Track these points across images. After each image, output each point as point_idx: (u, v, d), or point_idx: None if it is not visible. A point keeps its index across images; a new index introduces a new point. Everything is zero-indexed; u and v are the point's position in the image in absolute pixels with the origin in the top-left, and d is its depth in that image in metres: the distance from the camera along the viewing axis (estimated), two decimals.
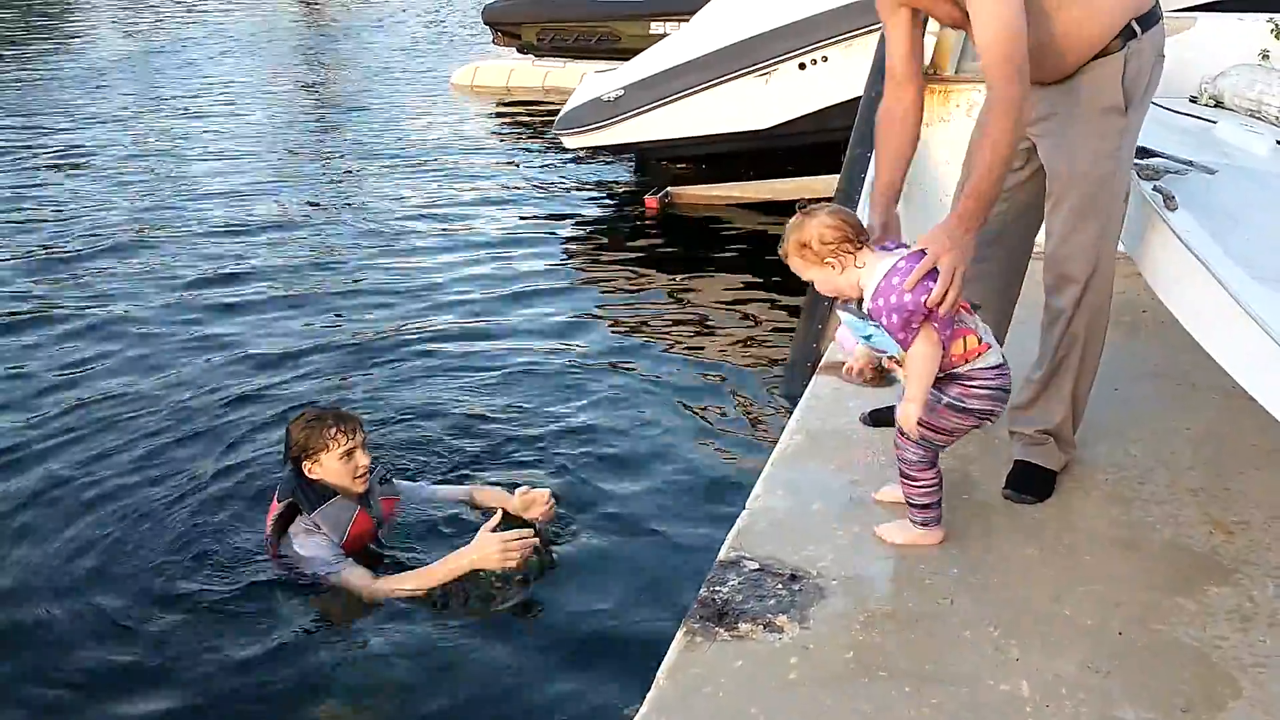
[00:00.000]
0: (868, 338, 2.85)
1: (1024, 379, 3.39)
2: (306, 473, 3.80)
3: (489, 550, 3.58)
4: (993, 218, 3.12)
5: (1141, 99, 3.22)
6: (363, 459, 3.80)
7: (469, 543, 3.61)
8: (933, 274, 2.69)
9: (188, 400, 5.36)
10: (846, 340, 3.00)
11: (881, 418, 3.72)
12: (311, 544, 3.72)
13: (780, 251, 2.84)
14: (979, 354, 2.87)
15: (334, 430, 3.76)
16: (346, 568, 3.69)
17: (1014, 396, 3.20)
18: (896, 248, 2.84)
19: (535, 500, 4.00)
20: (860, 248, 2.77)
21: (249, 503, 4.32)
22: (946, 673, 2.55)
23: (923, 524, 3.06)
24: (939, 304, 2.69)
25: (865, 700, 2.46)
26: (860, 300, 2.79)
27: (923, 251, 2.74)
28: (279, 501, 3.82)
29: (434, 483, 4.36)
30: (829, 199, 5.39)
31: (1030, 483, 3.34)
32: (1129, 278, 4.55)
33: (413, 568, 3.75)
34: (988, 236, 3.22)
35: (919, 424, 2.86)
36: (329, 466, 3.77)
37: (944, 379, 2.88)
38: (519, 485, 4.09)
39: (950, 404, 2.90)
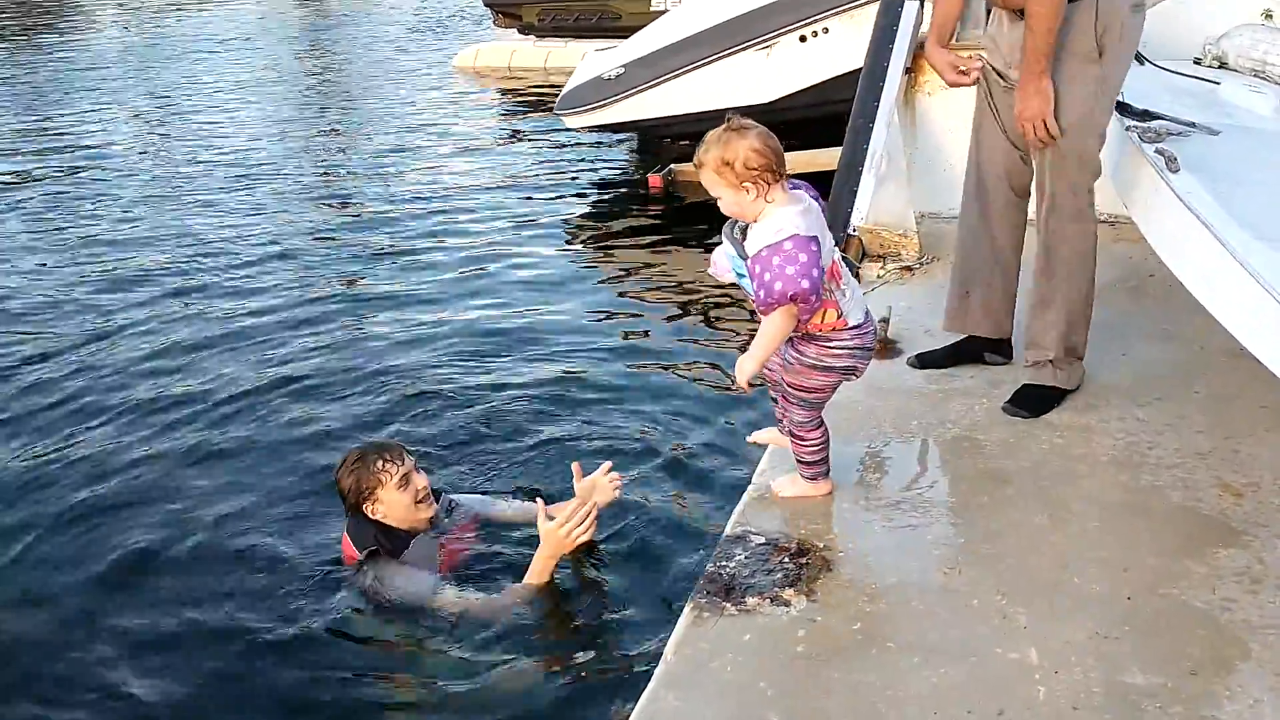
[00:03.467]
0: (740, 275, 2.82)
1: (1026, 308, 3.68)
2: (371, 515, 3.65)
3: (558, 540, 3.45)
4: (994, 161, 3.62)
5: (1118, 49, 3.37)
6: (419, 480, 3.67)
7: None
8: (807, 261, 2.64)
9: (201, 399, 5.34)
10: (720, 265, 2.94)
11: (927, 359, 3.93)
12: (404, 577, 3.57)
13: (695, 161, 2.74)
14: (836, 328, 2.85)
15: (380, 463, 3.61)
16: (444, 591, 3.54)
17: (1022, 325, 3.68)
18: (804, 189, 2.80)
19: (596, 485, 3.75)
20: (778, 180, 2.70)
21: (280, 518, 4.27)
22: (954, 643, 2.54)
23: (811, 478, 3.13)
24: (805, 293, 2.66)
25: (873, 672, 2.46)
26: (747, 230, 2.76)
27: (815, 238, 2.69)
28: (359, 550, 3.64)
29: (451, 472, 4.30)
30: (832, 173, 5.39)
31: (1026, 400, 3.60)
32: (1135, 241, 4.53)
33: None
34: (991, 181, 3.66)
35: (791, 386, 2.94)
36: (389, 500, 3.62)
37: (802, 339, 2.87)
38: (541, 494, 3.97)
39: (812, 364, 2.90)
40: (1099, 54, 3.33)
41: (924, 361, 3.94)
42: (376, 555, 3.61)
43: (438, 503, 3.81)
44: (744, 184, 2.69)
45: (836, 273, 2.81)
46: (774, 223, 2.68)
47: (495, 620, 3.42)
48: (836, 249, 2.86)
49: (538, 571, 3.50)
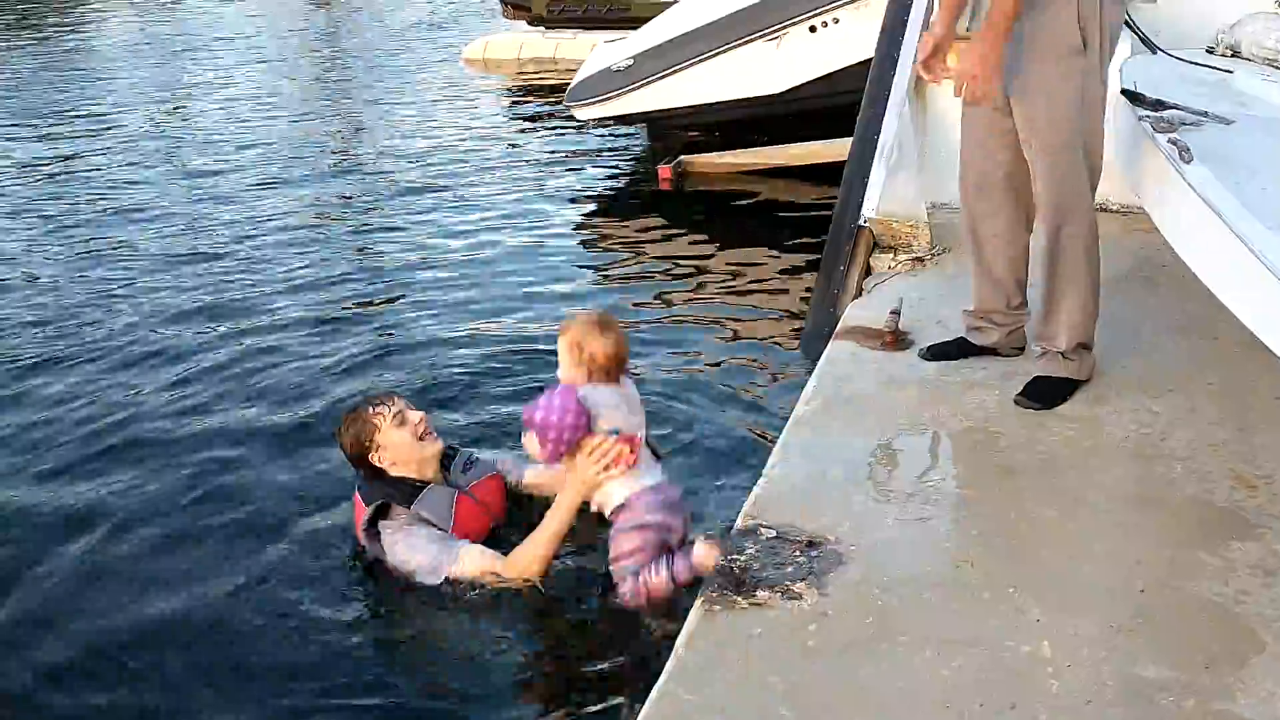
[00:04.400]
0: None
1: (1035, 301, 3.72)
2: (378, 464, 3.60)
3: (586, 474, 3.21)
4: (997, 164, 3.61)
5: (1101, 38, 3.37)
6: (414, 415, 3.62)
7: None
8: (560, 414, 3.13)
9: (211, 383, 5.33)
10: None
11: (939, 351, 3.94)
12: (415, 540, 3.46)
13: (561, 327, 3.33)
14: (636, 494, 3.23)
15: (371, 410, 3.61)
16: (463, 550, 3.42)
17: (1032, 318, 3.75)
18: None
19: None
20: (608, 377, 3.25)
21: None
22: (967, 635, 2.53)
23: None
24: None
25: (886, 665, 2.45)
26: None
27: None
28: (366, 505, 3.55)
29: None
30: (842, 163, 5.38)
31: (1038, 392, 3.60)
32: (1148, 232, 4.50)
33: None
34: (997, 181, 3.65)
35: (613, 563, 3.21)
36: (391, 442, 3.56)
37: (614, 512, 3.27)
38: None
39: (621, 530, 3.22)
40: (1083, 45, 3.32)
41: (935, 353, 3.93)
42: (386, 511, 3.53)
43: (453, 459, 3.74)
44: (581, 366, 3.23)
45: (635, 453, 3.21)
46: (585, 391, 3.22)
47: (509, 586, 3.37)
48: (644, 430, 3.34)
49: (558, 517, 3.28)
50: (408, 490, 3.57)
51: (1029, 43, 3.35)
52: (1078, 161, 3.44)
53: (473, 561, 3.41)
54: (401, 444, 3.59)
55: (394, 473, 3.61)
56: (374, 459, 3.60)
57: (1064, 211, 3.47)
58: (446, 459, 3.75)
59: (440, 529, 3.52)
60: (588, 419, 3.17)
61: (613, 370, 3.25)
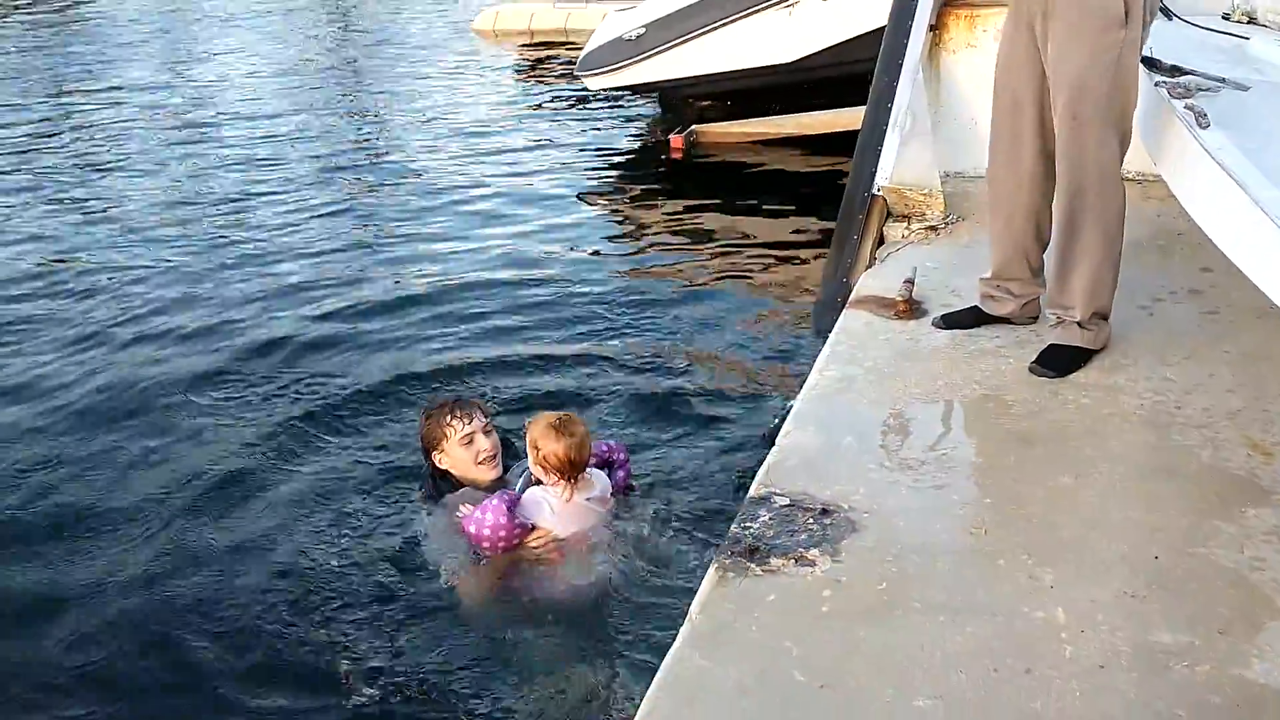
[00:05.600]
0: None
1: (1052, 267, 3.65)
2: (437, 464, 3.78)
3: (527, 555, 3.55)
4: (1030, 130, 3.55)
5: (1143, 10, 3.33)
6: (483, 442, 3.73)
7: None
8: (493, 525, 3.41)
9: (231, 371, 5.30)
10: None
11: (954, 320, 3.91)
12: (440, 536, 3.67)
13: (526, 424, 3.61)
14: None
15: (449, 417, 3.71)
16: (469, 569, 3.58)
17: (1048, 286, 3.70)
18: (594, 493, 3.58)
19: None
20: (563, 478, 3.46)
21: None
22: (981, 602, 2.53)
23: None
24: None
25: (899, 631, 2.45)
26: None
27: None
28: (420, 489, 3.87)
29: None
30: (855, 133, 5.35)
31: (1052, 360, 3.57)
32: (1164, 200, 4.48)
33: None
34: (1028, 144, 3.59)
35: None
36: (452, 454, 3.73)
37: None
38: None
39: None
40: (1125, 17, 3.29)
41: (949, 322, 3.91)
42: (429, 498, 3.77)
43: (510, 470, 3.83)
44: (538, 465, 3.47)
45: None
46: (530, 495, 3.53)
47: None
48: None
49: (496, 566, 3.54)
50: (445, 487, 3.76)
51: (1070, 10, 3.31)
52: (1106, 132, 3.40)
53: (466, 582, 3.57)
54: (460, 461, 3.75)
55: (449, 471, 3.79)
56: (435, 458, 3.79)
57: (1088, 180, 3.44)
58: (505, 467, 3.85)
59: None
60: (519, 526, 3.45)
61: (566, 471, 3.45)
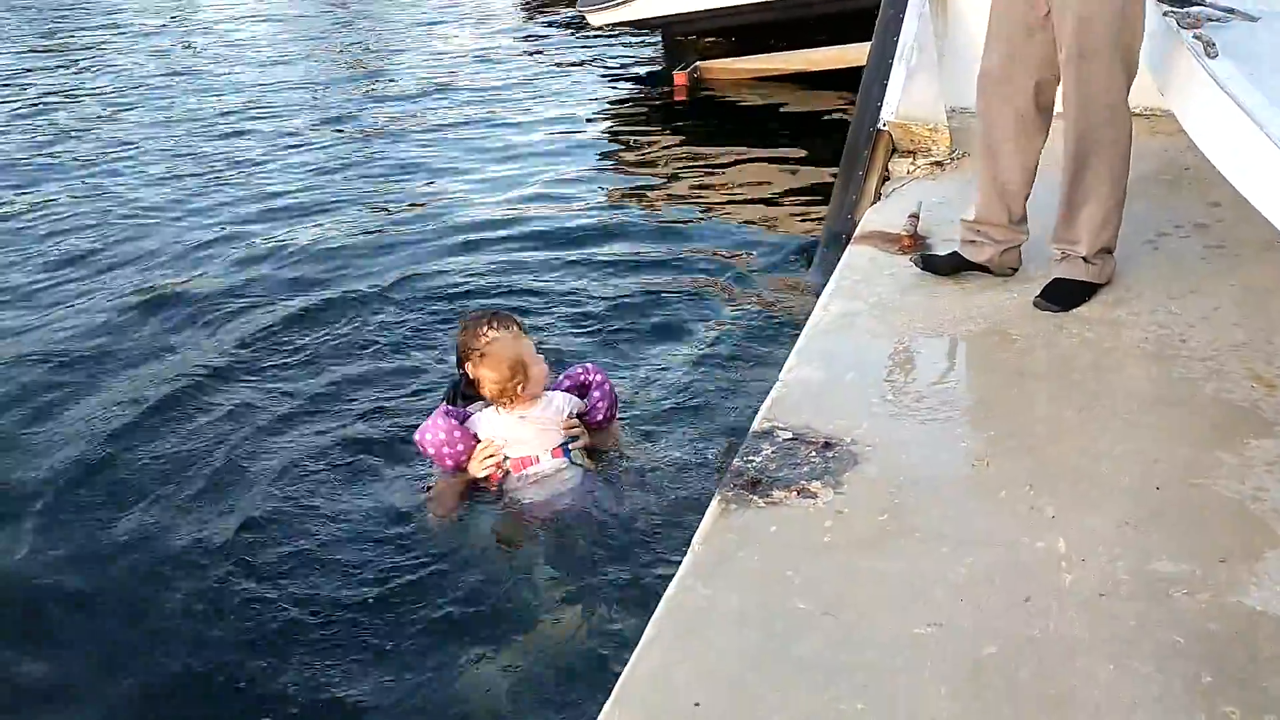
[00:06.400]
0: None
1: (1058, 202, 3.62)
2: (470, 374, 3.67)
3: (474, 469, 3.51)
4: (1025, 70, 3.52)
5: None
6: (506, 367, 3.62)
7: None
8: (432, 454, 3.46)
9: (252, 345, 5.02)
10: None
11: (933, 263, 3.86)
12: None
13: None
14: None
15: (485, 327, 3.62)
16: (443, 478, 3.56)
17: (1055, 221, 3.64)
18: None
19: None
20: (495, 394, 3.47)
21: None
22: (982, 533, 2.55)
23: None
24: None
25: (900, 561, 2.47)
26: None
27: None
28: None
29: None
30: (860, 68, 5.30)
31: (1057, 294, 3.58)
32: (1172, 135, 4.45)
33: None
34: (1022, 86, 3.56)
35: None
36: (481, 374, 3.60)
37: None
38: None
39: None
40: None
41: (928, 265, 3.87)
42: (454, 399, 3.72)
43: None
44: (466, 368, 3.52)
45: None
46: (475, 407, 3.57)
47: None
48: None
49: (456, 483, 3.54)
50: (466, 398, 3.69)
51: None
52: (1114, 66, 3.37)
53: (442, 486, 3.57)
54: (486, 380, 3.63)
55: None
56: (468, 367, 3.67)
57: (1096, 116, 3.41)
58: None
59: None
60: (462, 435, 3.46)
61: (504, 380, 3.44)
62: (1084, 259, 3.58)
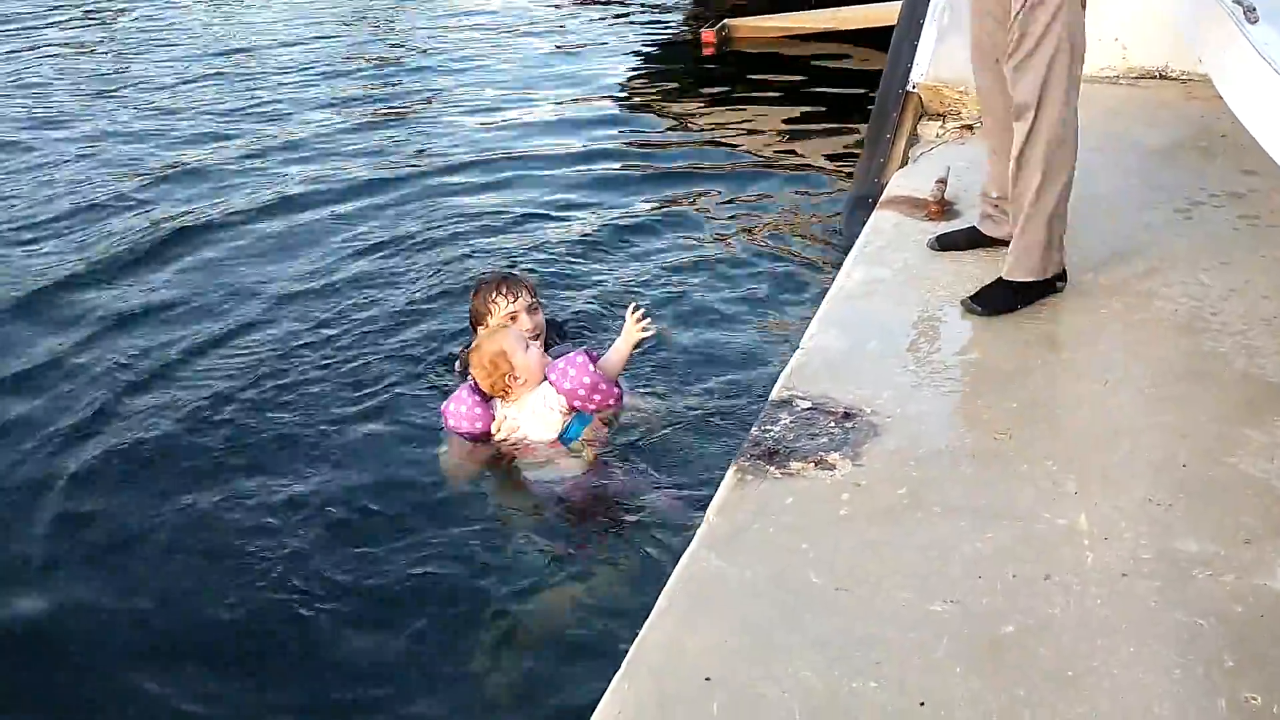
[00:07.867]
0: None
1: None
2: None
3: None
4: (995, 45, 3.31)
5: None
6: (526, 321, 3.71)
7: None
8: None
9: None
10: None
11: (949, 241, 3.73)
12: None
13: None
14: None
15: (495, 294, 3.70)
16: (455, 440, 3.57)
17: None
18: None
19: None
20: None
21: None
22: (1002, 507, 2.50)
23: None
24: None
25: (919, 534, 2.43)
26: None
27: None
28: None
29: None
30: (891, 28, 5.20)
31: (983, 297, 3.35)
32: (1206, 100, 4.35)
33: None
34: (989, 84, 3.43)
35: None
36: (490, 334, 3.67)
37: None
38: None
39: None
40: None
41: (944, 244, 3.74)
42: (463, 373, 3.73)
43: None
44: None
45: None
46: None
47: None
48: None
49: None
50: None
51: None
52: (1048, 61, 3.11)
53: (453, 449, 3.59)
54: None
55: None
56: (480, 331, 3.75)
57: (1028, 109, 3.16)
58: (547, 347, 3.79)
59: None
60: (489, 414, 3.51)
61: (503, 392, 3.48)
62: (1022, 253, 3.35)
